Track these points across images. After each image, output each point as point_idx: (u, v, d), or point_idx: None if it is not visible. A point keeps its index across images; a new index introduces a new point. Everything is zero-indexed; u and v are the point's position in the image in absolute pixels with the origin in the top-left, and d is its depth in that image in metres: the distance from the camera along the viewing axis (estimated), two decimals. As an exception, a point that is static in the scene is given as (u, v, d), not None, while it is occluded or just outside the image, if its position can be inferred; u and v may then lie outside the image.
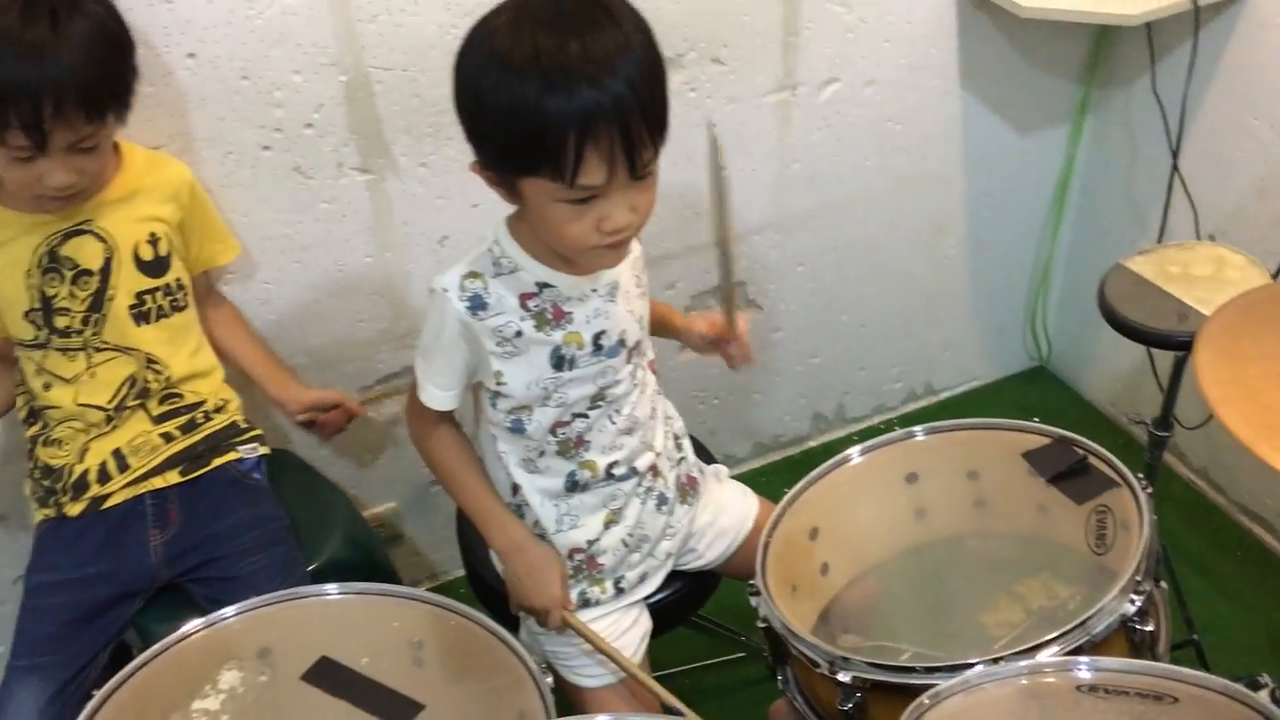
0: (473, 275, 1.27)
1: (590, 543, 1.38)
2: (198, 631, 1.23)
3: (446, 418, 1.38)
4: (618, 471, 1.37)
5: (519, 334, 1.28)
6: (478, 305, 1.26)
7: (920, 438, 1.43)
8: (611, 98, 1.11)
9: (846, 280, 2.15)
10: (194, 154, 1.54)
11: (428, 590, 2.02)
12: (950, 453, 1.42)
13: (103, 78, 1.29)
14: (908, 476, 1.44)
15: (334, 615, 1.27)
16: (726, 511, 1.50)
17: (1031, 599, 1.27)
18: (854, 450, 1.43)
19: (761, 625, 1.29)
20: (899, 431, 1.44)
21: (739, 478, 1.57)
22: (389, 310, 1.79)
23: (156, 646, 1.20)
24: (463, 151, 1.67)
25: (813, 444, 2.33)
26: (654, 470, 1.41)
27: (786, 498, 1.39)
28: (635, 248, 1.38)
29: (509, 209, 1.26)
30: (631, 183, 1.17)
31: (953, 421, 1.43)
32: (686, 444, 1.51)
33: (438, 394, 1.33)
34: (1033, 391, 2.42)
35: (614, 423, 1.36)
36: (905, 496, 1.44)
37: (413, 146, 1.67)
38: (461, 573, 2.10)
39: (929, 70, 1.97)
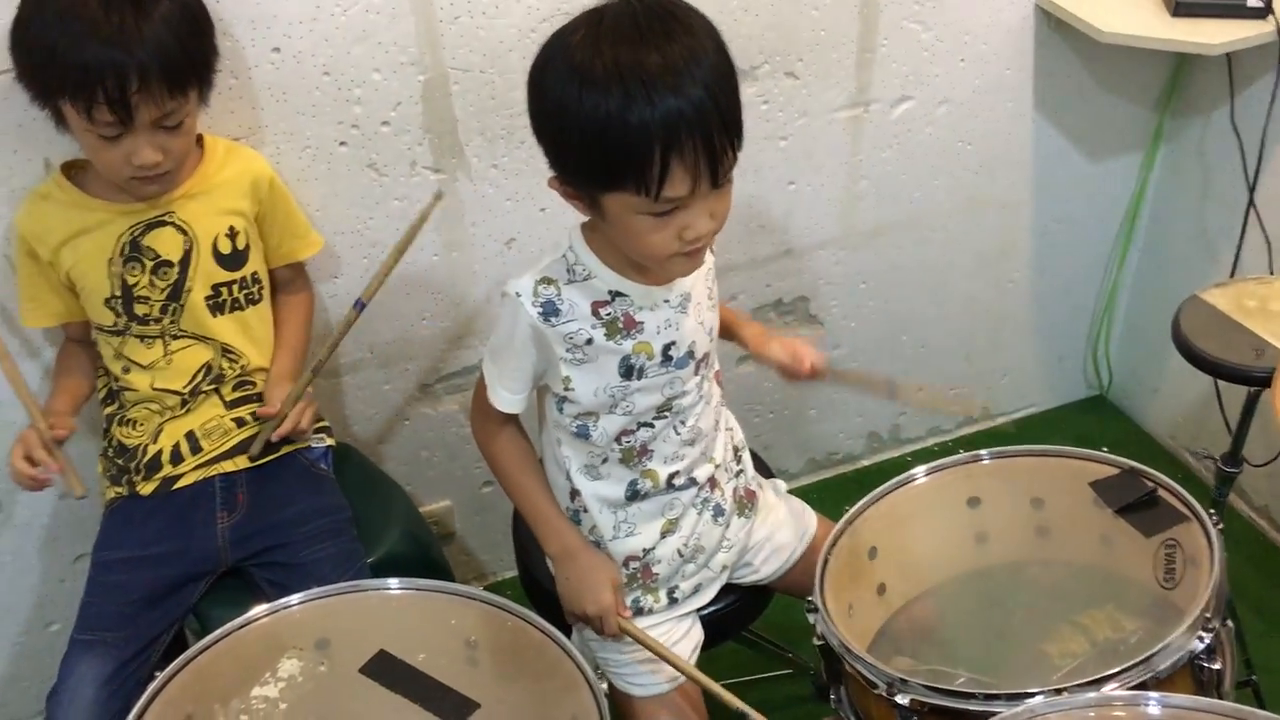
0: (546, 281, 1.28)
1: (646, 551, 1.38)
2: (262, 618, 1.24)
3: (511, 420, 1.39)
4: (678, 481, 1.37)
5: (589, 341, 1.28)
6: (550, 311, 1.27)
7: (985, 461, 1.41)
8: (692, 106, 1.12)
9: (908, 300, 2.13)
10: (272, 147, 1.56)
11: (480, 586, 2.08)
12: (1015, 478, 1.40)
13: (184, 52, 1.31)
14: (970, 500, 1.42)
15: (393, 609, 1.28)
16: (784, 527, 1.50)
17: (1096, 630, 1.26)
18: (917, 470, 1.42)
19: (818, 643, 1.28)
20: (963, 454, 1.42)
21: (790, 493, 1.56)
22: (453, 309, 1.80)
23: (220, 630, 1.22)
24: (534, 155, 1.68)
25: (866, 463, 2.31)
26: (713, 482, 1.40)
27: (846, 516, 1.38)
28: (708, 258, 1.38)
29: (579, 215, 1.26)
30: (712, 190, 1.17)
31: (1019, 447, 1.42)
32: (746, 456, 1.50)
33: (506, 396, 1.34)
34: (1091, 421, 2.39)
35: (678, 433, 1.36)
36: (966, 520, 1.42)
37: (485, 148, 1.68)
38: (511, 574, 2.12)
39: (1003, 91, 1.95)
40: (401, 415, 1.88)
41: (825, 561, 1.33)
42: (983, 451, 1.42)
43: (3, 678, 1.82)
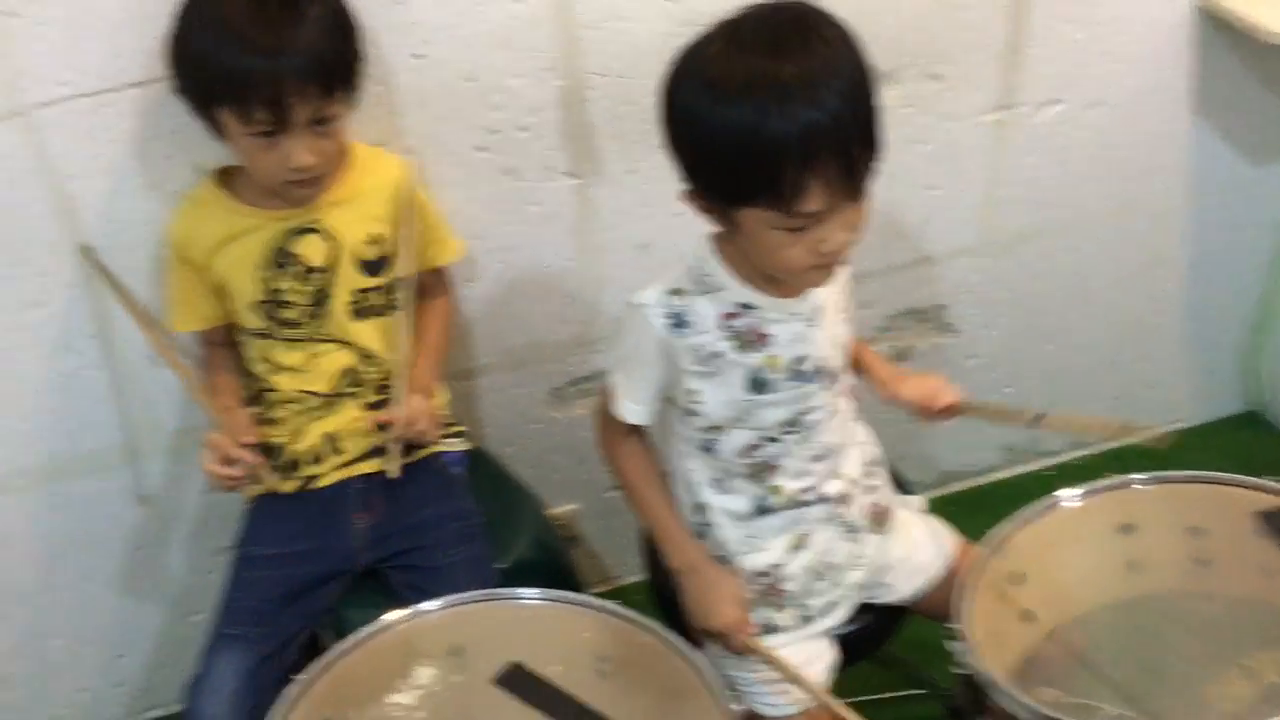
0: (675, 292, 1.26)
1: (774, 567, 1.35)
2: (400, 623, 1.25)
3: (636, 431, 1.38)
4: (806, 497, 1.34)
5: (717, 354, 1.26)
6: (678, 323, 1.25)
7: (1140, 487, 1.35)
8: (829, 118, 1.09)
9: (1050, 309, 2.05)
10: (411, 153, 1.57)
11: (601, 594, 2.07)
12: (1172, 505, 1.34)
13: (335, 53, 1.35)
14: (1122, 526, 1.36)
15: (527, 620, 1.28)
16: (922, 547, 1.45)
17: (1264, 674, 1.19)
18: (1066, 493, 1.36)
19: (959, 672, 1.24)
20: (1115, 478, 1.36)
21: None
22: (585, 314, 1.80)
23: (358, 635, 1.23)
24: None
25: (1002, 475, 2.24)
26: (844, 497, 1.37)
27: (992, 540, 1.33)
28: (842, 271, 1.35)
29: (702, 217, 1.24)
30: (848, 203, 1.14)
31: (1176, 473, 1.35)
32: (882, 472, 1.46)
33: (632, 408, 1.33)
34: (1244, 438, 2.27)
35: (806, 449, 1.33)
36: (1118, 547, 1.36)
37: (622, 153, 1.67)
38: (635, 579, 2.11)
39: (1159, 94, 1.86)
40: (531, 419, 1.88)
41: (969, 587, 1.29)
42: (1136, 475, 1.36)
43: (146, 664, 1.88)
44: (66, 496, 1.68)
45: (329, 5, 1.35)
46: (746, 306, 1.26)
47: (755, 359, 1.27)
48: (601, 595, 2.06)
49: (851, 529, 1.38)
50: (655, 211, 1.72)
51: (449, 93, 1.55)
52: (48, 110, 1.40)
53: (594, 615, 1.26)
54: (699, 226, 1.31)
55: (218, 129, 1.37)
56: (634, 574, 2.08)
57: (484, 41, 1.53)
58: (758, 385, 1.28)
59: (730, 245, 1.26)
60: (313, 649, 1.47)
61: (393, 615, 1.24)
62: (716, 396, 1.29)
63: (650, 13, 1.57)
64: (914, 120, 1.77)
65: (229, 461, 1.42)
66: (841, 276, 1.34)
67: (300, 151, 1.34)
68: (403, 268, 1.49)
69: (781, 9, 1.15)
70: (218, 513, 1.75)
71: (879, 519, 1.42)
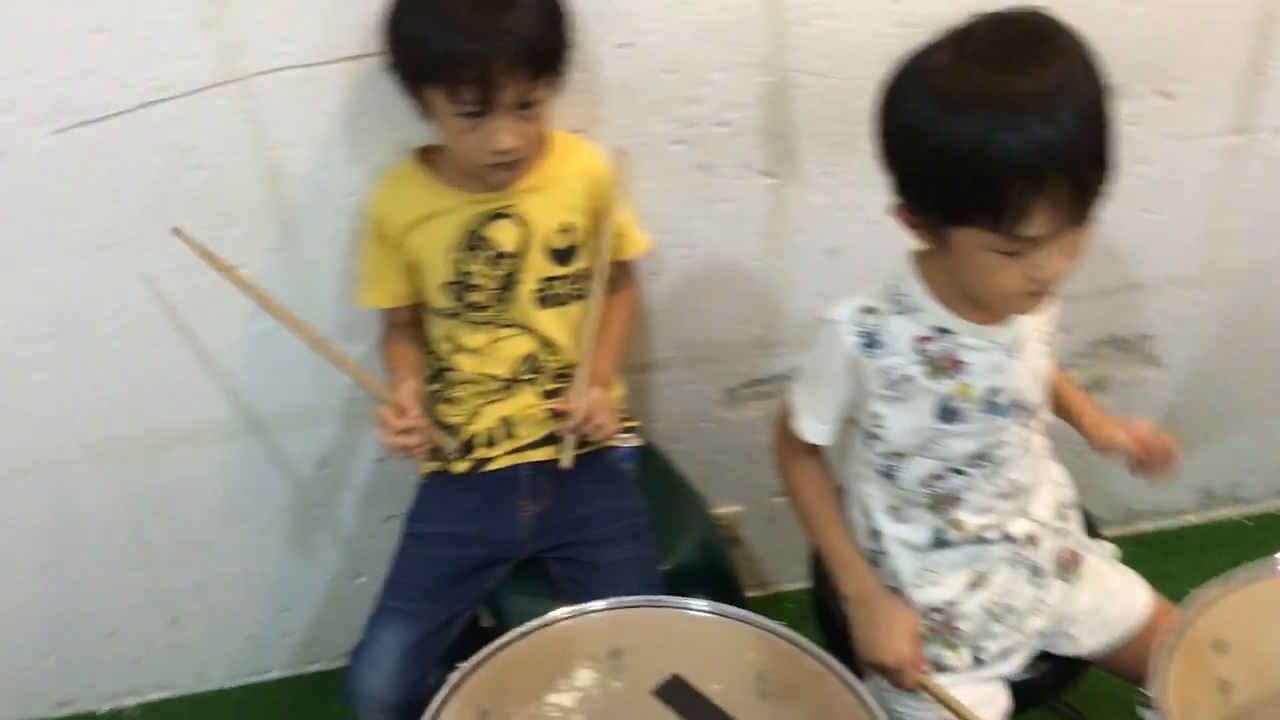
0: (869, 310, 1.21)
1: (949, 604, 1.29)
2: (563, 620, 1.23)
3: (815, 450, 1.33)
4: (989, 535, 1.28)
5: (908, 378, 1.20)
6: (870, 342, 1.20)
7: (1372, 562, 1.23)
8: (1063, 137, 1.02)
9: (1267, 348, 1.91)
10: (608, 142, 1.55)
11: (758, 599, 2.04)
12: None
13: (545, 37, 1.34)
14: (1347, 604, 1.24)
15: (691, 631, 1.24)
16: (1113, 599, 1.36)
17: None
18: (1283, 559, 1.25)
19: (1148, 741, 1.15)
20: (1342, 546, 1.25)
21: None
22: (766, 316, 1.75)
23: (522, 628, 1.22)
24: (870, 165, 1.60)
25: (1193, 520, 2.10)
26: (1031, 539, 1.30)
27: (1196, 601, 1.23)
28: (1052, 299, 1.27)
29: (910, 239, 1.18)
30: (1072, 230, 1.07)
31: None
32: (1074, 515, 1.38)
33: (814, 426, 1.29)
34: None
35: (993, 484, 1.26)
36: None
37: (821, 154, 1.61)
38: (793, 586, 2.06)
39: None
40: (703, 416, 1.85)
41: (1165, 650, 1.19)
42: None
43: (312, 619, 1.94)
44: (250, 453, 1.73)
45: None
46: (943, 330, 1.20)
47: (947, 386, 1.21)
48: (758, 601, 2.04)
49: (1037, 572, 1.31)
50: (849, 217, 1.66)
51: (651, 83, 1.52)
52: (263, 79, 1.43)
53: (760, 635, 1.22)
54: (893, 237, 1.24)
55: (425, 108, 1.37)
56: (793, 581, 2.04)
57: (691, 33, 1.49)
58: (947, 414, 1.22)
59: (933, 264, 1.20)
60: (473, 631, 1.49)
61: (557, 612, 1.23)
62: (902, 423, 1.23)
63: (866, 11, 1.50)
64: (1138, 139, 1.65)
65: (406, 431, 1.43)
66: (1050, 305, 1.27)
67: (503, 133, 1.34)
68: (598, 259, 1.48)
69: (1016, 19, 1.08)
70: (388, 481, 1.79)
71: (1068, 565, 1.34)
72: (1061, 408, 1.35)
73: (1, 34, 1.35)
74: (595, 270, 1.48)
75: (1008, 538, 1.29)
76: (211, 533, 1.80)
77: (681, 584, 1.50)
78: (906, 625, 1.27)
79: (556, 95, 1.41)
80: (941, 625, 1.30)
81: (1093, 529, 1.46)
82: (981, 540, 1.28)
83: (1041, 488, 1.32)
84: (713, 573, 1.59)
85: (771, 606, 2.04)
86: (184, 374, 1.64)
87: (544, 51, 1.34)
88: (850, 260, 1.70)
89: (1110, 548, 1.42)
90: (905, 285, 1.21)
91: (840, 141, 1.61)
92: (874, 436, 1.26)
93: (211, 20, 1.38)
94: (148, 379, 1.63)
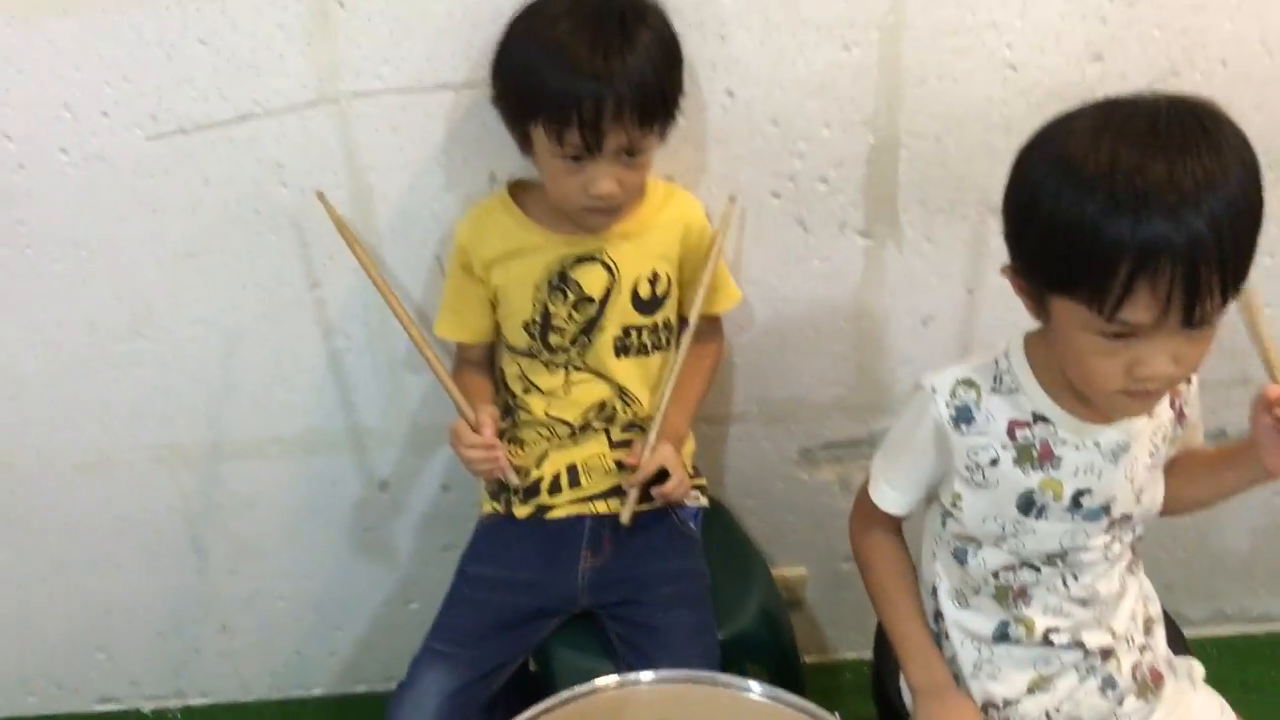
0: (968, 384, 1.15)
1: (1007, 702, 1.22)
2: (609, 689, 1.19)
3: (893, 524, 1.28)
4: (1057, 640, 1.21)
5: (994, 462, 1.14)
6: (963, 417, 1.14)
7: None
8: (1186, 236, 0.94)
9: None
10: (703, 190, 1.51)
11: (816, 666, 1.97)
12: None
13: (658, 87, 1.29)
14: None
15: (744, 714, 1.18)
16: (1195, 725, 1.27)
17: None
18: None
19: None
20: None
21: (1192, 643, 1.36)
22: (852, 378, 1.69)
23: (566, 694, 1.17)
24: (974, 234, 1.56)
25: (1287, 629, 1.99)
26: (1107, 653, 1.22)
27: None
28: (1165, 413, 1.19)
29: (1012, 311, 1.11)
30: (1182, 330, 0.99)
31: None
32: (1160, 632, 1.30)
33: (890, 494, 1.23)
34: None
35: (1067, 586, 1.19)
36: None
37: (923, 218, 1.55)
38: (854, 655, 1.99)
39: None
40: (776, 475, 1.79)
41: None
42: None
43: (360, 641, 1.91)
44: (314, 469, 1.72)
45: (660, 36, 1.30)
46: (1040, 418, 1.14)
47: (1034, 479, 1.15)
48: (816, 668, 1.98)
49: (1111, 685, 1.23)
50: (947, 285, 1.60)
51: (754, 134, 1.47)
52: (360, 101, 1.41)
53: (811, 725, 1.15)
54: (992, 309, 1.19)
55: (526, 144, 1.34)
56: (854, 650, 1.97)
57: (800, 87, 1.44)
58: (1029, 507, 1.16)
59: (1041, 348, 1.13)
60: (523, 682, 1.44)
61: (604, 680, 1.18)
62: (980, 509, 1.17)
63: (986, 76, 1.44)
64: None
65: (479, 448, 1.39)
66: (1163, 418, 1.19)
67: (605, 180, 1.30)
68: (693, 309, 1.43)
69: (1178, 101, 0.99)
70: (448, 510, 1.76)
71: (1148, 685, 1.26)
72: (1199, 469, 1.25)
73: (104, 39, 1.35)
74: (689, 320, 1.44)
75: (1080, 646, 1.21)
76: (268, 545, 1.79)
77: (739, 651, 1.45)
78: None
79: (661, 143, 1.37)
80: None
81: (1181, 643, 1.37)
82: (1049, 643, 1.21)
83: (1125, 599, 1.24)
84: (772, 643, 1.52)
85: (830, 675, 1.97)
86: (254, 387, 1.62)
87: (657, 99, 1.30)
88: (944, 329, 1.63)
89: (1198, 669, 1.33)
90: (1012, 364, 1.15)
91: (944, 207, 1.54)
92: (950, 516, 1.20)
93: (312, 39, 1.37)
94: (219, 388, 1.62)
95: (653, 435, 1.43)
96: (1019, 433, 1.14)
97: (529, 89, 1.28)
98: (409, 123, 1.43)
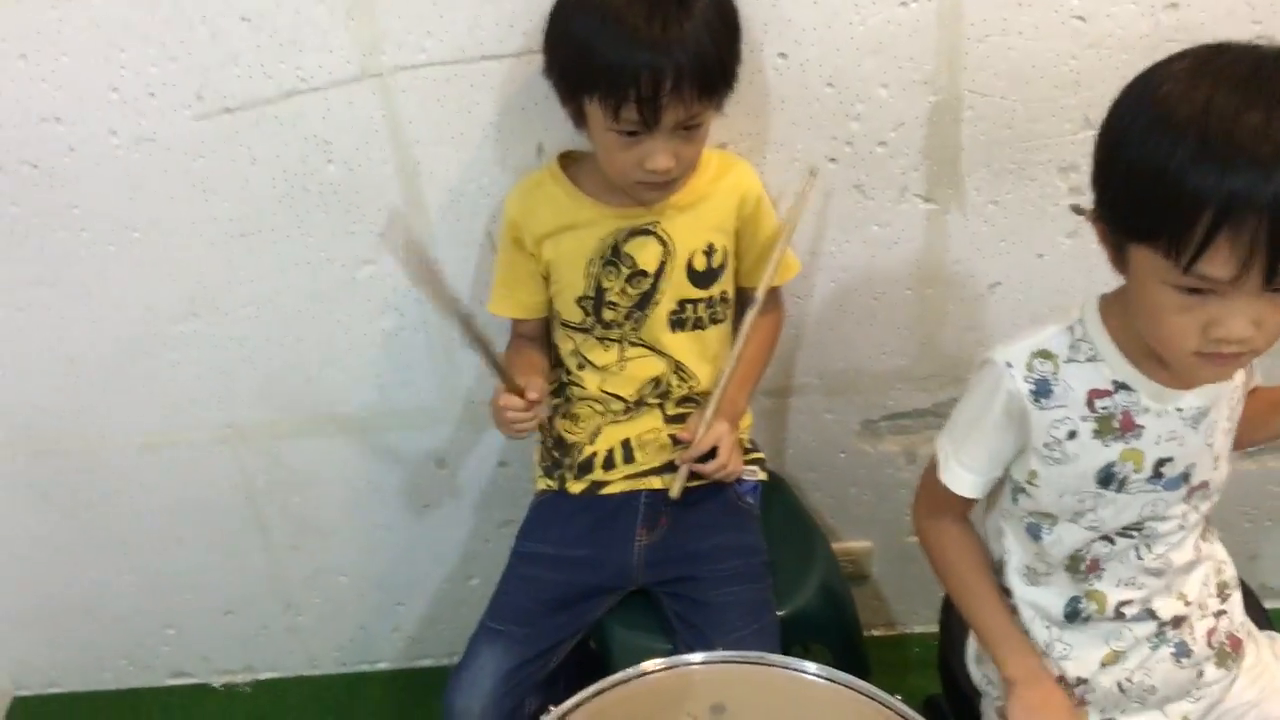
0: (1044, 355, 1.09)
1: (1080, 680, 1.19)
2: (657, 671, 1.16)
3: (963, 510, 1.22)
4: (1129, 611, 1.16)
5: (1073, 435, 1.09)
6: (1043, 391, 1.09)
7: None
8: (1274, 191, 0.88)
9: None
10: (759, 156, 1.46)
11: (882, 639, 1.93)
12: None
13: (717, 57, 1.25)
14: None
15: (801, 696, 1.16)
16: (1278, 696, 1.21)
17: None
18: None
19: None
20: None
21: (1274, 616, 1.30)
22: (915, 349, 1.64)
23: (616, 677, 1.15)
24: (1042, 195, 1.49)
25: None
26: (1179, 621, 1.18)
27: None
28: (1239, 376, 1.13)
29: (1080, 276, 1.05)
30: (1264, 293, 0.93)
31: None
32: (1236, 597, 1.24)
33: (964, 476, 1.18)
34: None
35: (1140, 558, 1.14)
36: None
37: (988, 181, 1.49)
38: (921, 629, 1.95)
39: None
40: (838, 447, 1.75)
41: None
42: None
43: (423, 617, 1.92)
44: (371, 447, 1.71)
45: (718, 3, 1.26)
46: (1122, 386, 1.08)
47: (1115, 450, 1.10)
48: (883, 640, 1.94)
49: (1185, 653, 1.18)
50: (1014, 249, 1.54)
51: (809, 97, 1.42)
52: (403, 75, 1.39)
53: (876, 709, 1.12)
54: (1061, 273, 1.12)
55: (580, 118, 1.30)
56: (922, 624, 1.94)
57: (855, 46, 1.38)
58: (1108, 480, 1.11)
59: (1118, 312, 1.08)
60: (585, 659, 1.43)
61: (653, 663, 1.16)
62: (1056, 484, 1.12)
63: (1052, 30, 1.37)
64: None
65: (525, 408, 1.34)
66: (1238, 380, 1.13)
67: (661, 154, 1.26)
68: (760, 283, 1.40)
69: None
70: (505, 486, 1.75)
71: (1227, 651, 1.21)
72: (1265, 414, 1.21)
73: (148, 18, 1.34)
74: (757, 295, 1.40)
75: (1153, 616, 1.17)
76: (329, 523, 1.79)
77: (800, 629, 1.42)
78: (1070, 713, 1.16)
79: (718, 115, 1.33)
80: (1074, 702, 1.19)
81: (1264, 617, 1.31)
82: (1121, 617, 1.17)
83: (1198, 566, 1.19)
84: (834, 620, 1.49)
85: (897, 649, 1.94)
86: (311, 365, 1.62)
87: (716, 69, 1.25)
88: (1011, 296, 1.57)
89: (1278, 636, 1.27)
90: (1089, 331, 1.09)
91: (1011, 169, 1.48)
92: (1023, 493, 1.16)
93: (353, 13, 1.35)
94: (275, 367, 1.62)
95: (709, 411, 1.40)
96: (1099, 403, 1.09)
97: (583, 62, 1.24)
98: (454, 95, 1.40)
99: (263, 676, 2.00)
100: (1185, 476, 1.12)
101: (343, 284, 1.55)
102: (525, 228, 1.40)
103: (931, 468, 1.21)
